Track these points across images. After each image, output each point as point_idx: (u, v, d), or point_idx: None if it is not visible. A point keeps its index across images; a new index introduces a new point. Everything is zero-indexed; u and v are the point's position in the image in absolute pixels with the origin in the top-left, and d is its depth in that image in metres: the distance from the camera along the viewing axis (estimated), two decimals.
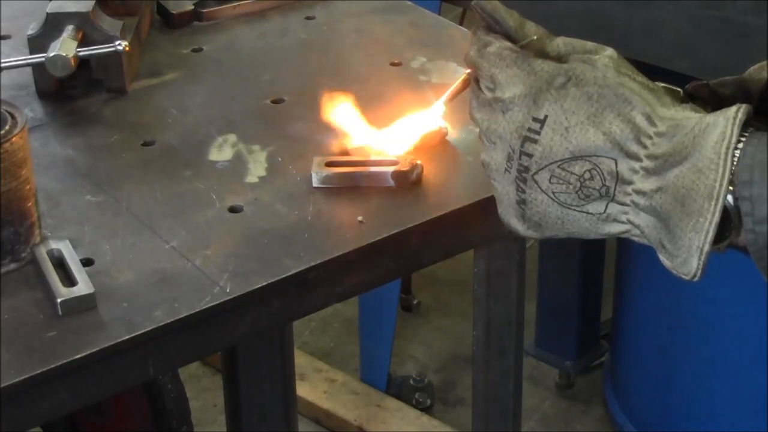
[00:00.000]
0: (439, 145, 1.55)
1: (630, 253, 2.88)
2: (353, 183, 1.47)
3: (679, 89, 1.18)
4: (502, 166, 1.16)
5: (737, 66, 1.24)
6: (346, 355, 3.44)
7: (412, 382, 3.28)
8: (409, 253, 1.44)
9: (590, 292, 3.19)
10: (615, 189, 1.11)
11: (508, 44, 1.17)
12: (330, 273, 1.36)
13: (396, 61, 1.78)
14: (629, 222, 1.12)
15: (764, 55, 1.24)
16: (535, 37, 1.18)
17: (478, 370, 1.99)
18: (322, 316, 3.56)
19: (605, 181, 1.11)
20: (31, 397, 1.21)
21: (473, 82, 1.20)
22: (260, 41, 1.87)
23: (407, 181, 1.47)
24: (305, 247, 1.37)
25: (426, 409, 3.24)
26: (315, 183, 1.48)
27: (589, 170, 1.11)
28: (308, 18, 1.93)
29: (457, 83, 1.46)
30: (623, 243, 2.96)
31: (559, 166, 1.12)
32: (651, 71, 1.19)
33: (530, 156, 1.13)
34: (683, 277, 1.09)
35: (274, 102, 1.69)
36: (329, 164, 1.49)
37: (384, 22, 1.91)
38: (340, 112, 1.59)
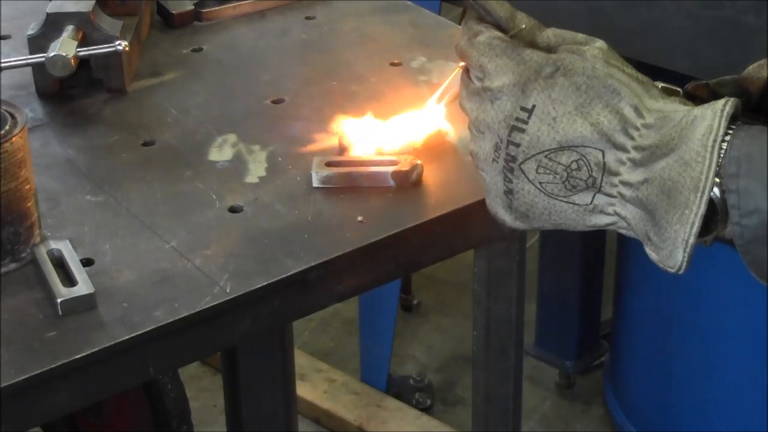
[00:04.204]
0: (439, 145, 1.55)
1: (630, 253, 2.88)
2: (353, 183, 1.47)
3: (678, 89, 1.18)
4: (490, 156, 1.16)
5: (737, 66, 1.24)
6: (346, 355, 3.44)
7: (412, 382, 3.28)
8: (409, 253, 1.44)
9: (590, 292, 3.19)
10: (602, 180, 1.11)
11: (498, 34, 1.17)
12: (330, 273, 1.36)
13: (396, 61, 1.78)
14: (616, 214, 1.12)
15: (764, 55, 1.24)
16: (524, 26, 1.18)
17: (478, 370, 1.99)
18: (322, 316, 3.56)
19: (592, 171, 1.11)
20: (31, 397, 1.21)
21: (463, 72, 1.20)
22: (260, 41, 1.87)
23: (407, 181, 1.47)
24: (305, 247, 1.37)
25: (426, 409, 3.24)
26: (315, 183, 1.48)
27: (576, 161, 1.11)
28: (308, 18, 1.93)
29: (449, 80, 1.46)
30: (623, 243, 2.96)
31: (546, 156, 1.12)
32: (651, 71, 1.19)
33: (517, 145, 1.13)
34: (669, 269, 1.09)
35: (274, 102, 1.69)
36: (329, 164, 1.49)
37: (384, 22, 1.91)
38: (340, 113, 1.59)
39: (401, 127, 1.55)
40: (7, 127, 1.31)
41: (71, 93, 1.71)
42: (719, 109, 1.06)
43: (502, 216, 1.19)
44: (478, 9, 1.18)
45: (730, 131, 1.05)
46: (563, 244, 3.11)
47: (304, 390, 3.16)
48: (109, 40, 1.66)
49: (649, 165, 1.08)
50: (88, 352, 1.22)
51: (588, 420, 3.24)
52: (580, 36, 1.17)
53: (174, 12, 1.90)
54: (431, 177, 1.49)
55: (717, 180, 1.05)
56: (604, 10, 2.36)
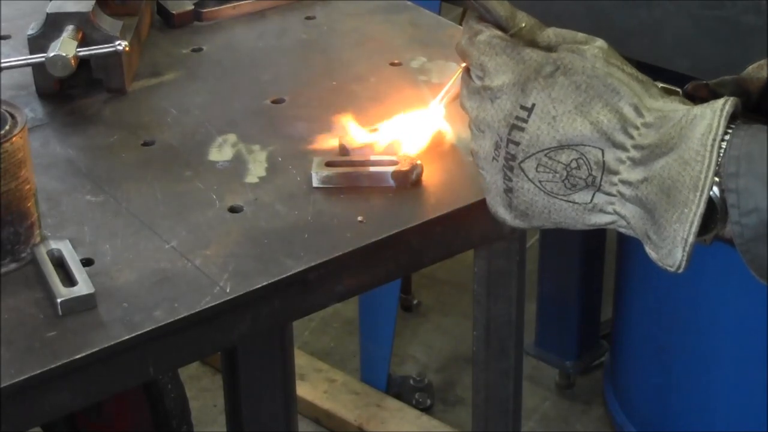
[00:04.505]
0: (439, 145, 1.55)
1: (630, 253, 2.88)
2: (353, 183, 1.47)
3: (678, 89, 1.18)
4: (490, 155, 1.16)
5: (737, 66, 1.25)
6: (346, 355, 3.44)
7: (412, 382, 3.28)
8: (409, 253, 1.44)
9: (590, 292, 3.19)
10: (601, 179, 1.11)
11: (498, 33, 1.17)
12: (330, 273, 1.36)
13: (396, 61, 1.78)
14: (615, 213, 1.12)
15: (764, 55, 1.24)
16: (524, 25, 1.19)
17: (478, 370, 1.99)
18: (322, 316, 3.56)
19: (592, 170, 1.11)
20: (31, 397, 1.21)
21: (464, 71, 1.20)
22: (260, 41, 1.87)
23: (407, 181, 1.47)
24: (305, 247, 1.37)
25: (426, 409, 3.24)
26: (315, 183, 1.48)
27: (576, 159, 1.11)
28: (308, 18, 1.93)
29: (452, 80, 1.45)
30: (623, 242, 2.96)
31: (546, 155, 1.12)
32: (651, 71, 1.19)
33: (517, 144, 1.13)
34: (668, 269, 1.09)
35: (274, 102, 1.69)
36: (329, 164, 1.49)
37: (384, 22, 1.91)
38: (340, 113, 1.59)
39: (402, 129, 1.55)
40: (7, 127, 1.31)
41: (71, 93, 1.71)
42: (719, 108, 1.06)
43: (502, 215, 1.19)
44: (479, 8, 1.19)
45: (730, 130, 1.05)
46: (563, 244, 3.11)
47: (304, 390, 3.16)
48: (109, 40, 1.66)
49: (648, 164, 1.08)
50: (88, 352, 1.22)
51: (588, 420, 3.25)
52: (580, 35, 1.17)
53: (174, 12, 1.90)
54: (431, 177, 1.49)
55: (716, 179, 1.05)
56: (604, 10, 2.36)
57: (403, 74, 1.75)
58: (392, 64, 1.78)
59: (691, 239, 1.06)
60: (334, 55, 1.82)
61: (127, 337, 1.24)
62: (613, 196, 1.11)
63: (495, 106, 1.15)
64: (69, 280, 1.30)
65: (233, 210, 1.44)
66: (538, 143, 1.12)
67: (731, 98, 1.07)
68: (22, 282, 1.32)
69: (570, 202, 1.13)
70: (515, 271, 1.86)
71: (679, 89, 1.18)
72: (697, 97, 1.19)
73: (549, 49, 1.17)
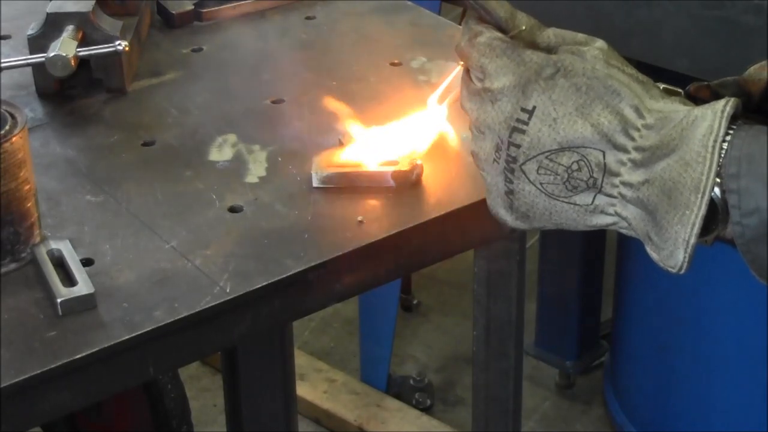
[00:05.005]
0: (439, 145, 1.55)
1: (630, 253, 2.88)
2: (353, 183, 1.47)
3: (680, 90, 1.18)
4: (491, 157, 1.16)
5: (737, 66, 1.24)
6: (346, 355, 3.44)
7: (412, 382, 3.28)
8: (409, 253, 1.44)
9: (590, 292, 3.19)
10: (602, 181, 1.11)
11: (498, 34, 1.17)
12: (330, 273, 1.36)
13: (396, 61, 1.78)
14: (617, 214, 1.12)
15: (764, 55, 1.24)
16: (524, 27, 1.19)
17: (478, 370, 1.99)
18: (322, 316, 3.56)
19: (593, 172, 1.11)
20: (31, 397, 1.21)
21: (464, 72, 1.20)
22: (260, 41, 1.87)
23: (407, 181, 1.47)
24: (305, 247, 1.37)
25: (426, 409, 3.24)
26: (315, 183, 1.48)
27: (577, 161, 1.11)
28: (308, 18, 1.93)
29: (448, 80, 1.45)
30: (623, 243, 2.96)
31: (546, 157, 1.12)
32: (651, 71, 1.19)
33: (518, 146, 1.13)
34: (670, 270, 1.09)
35: (274, 102, 1.69)
36: (329, 164, 1.49)
37: (384, 22, 1.91)
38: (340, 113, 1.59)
39: (402, 129, 1.55)
40: (7, 127, 1.31)
41: (71, 93, 1.71)
42: (720, 110, 1.06)
43: (503, 216, 1.19)
44: (479, 9, 1.18)
45: (731, 131, 1.05)
46: (563, 244, 3.11)
47: (304, 390, 3.16)
48: (109, 40, 1.66)
49: (649, 165, 1.08)
50: (88, 352, 1.22)
51: (588, 420, 3.24)
52: (581, 36, 1.17)
53: (174, 12, 1.90)
54: (431, 177, 1.49)
55: (718, 180, 1.05)
56: (604, 10, 2.36)
57: (403, 74, 1.75)
58: (392, 64, 1.78)
59: (692, 241, 1.06)
60: (334, 55, 1.82)
61: (127, 337, 1.24)
62: (615, 197, 1.11)
63: (495, 108, 1.15)
64: (69, 280, 1.30)
65: (233, 210, 1.44)
66: (538, 145, 1.12)
67: (732, 99, 1.07)
68: (22, 282, 1.32)
69: (571, 203, 1.13)
70: (515, 271, 1.86)
71: (680, 90, 1.18)
72: (698, 98, 1.19)
73: (549, 50, 1.17)
